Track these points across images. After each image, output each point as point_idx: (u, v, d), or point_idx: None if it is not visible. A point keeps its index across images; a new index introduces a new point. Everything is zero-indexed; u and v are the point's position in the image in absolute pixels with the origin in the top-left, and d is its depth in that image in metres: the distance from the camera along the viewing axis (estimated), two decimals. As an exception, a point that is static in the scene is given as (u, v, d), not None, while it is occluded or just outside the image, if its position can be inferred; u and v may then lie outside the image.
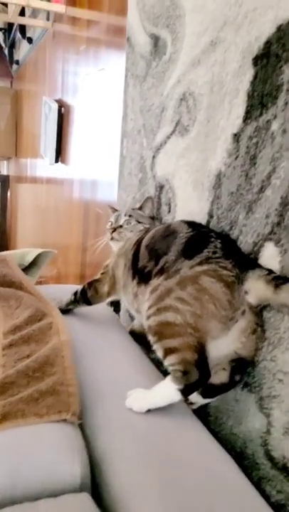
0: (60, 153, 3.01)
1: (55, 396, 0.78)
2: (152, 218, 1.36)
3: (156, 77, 1.41)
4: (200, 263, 0.92)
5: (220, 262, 0.91)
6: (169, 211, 1.33)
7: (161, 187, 1.39)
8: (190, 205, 1.21)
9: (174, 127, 1.29)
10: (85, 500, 0.63)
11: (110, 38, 2.13)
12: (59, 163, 3.00)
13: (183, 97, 1.24)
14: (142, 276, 1.06)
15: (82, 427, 0.82)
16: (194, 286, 0.90)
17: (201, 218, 1.14)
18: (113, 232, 1.32)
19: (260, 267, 0.89)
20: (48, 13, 3.10)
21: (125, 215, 1.35)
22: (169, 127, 1.33)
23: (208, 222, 1.12)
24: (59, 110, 2.85)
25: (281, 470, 0.85)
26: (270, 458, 0.88)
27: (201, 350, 0.87)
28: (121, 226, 1.33)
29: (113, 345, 1.12)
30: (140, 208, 1.37)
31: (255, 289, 0.86)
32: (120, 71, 1.75)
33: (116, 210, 1.45)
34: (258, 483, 0.91)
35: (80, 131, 2.63)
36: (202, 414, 1.08)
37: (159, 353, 0.91)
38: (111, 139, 1.93)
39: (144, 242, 1.10)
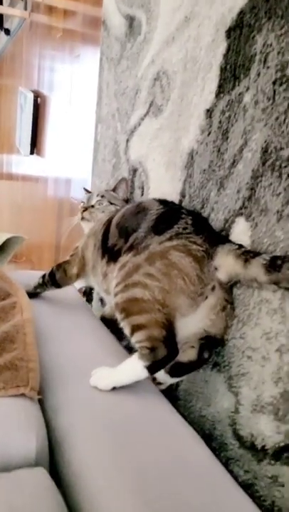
0: (35, 145, 2.96)
1: (13, 371, 0.74)
2: (126, 201, 1.33)
3: (130, 59, 1.39)
4: (170, 238, 0.89)
5: (190, 238, 0.88)
6: (142, 194, 1.31)
7: (134, 170, 1.36)
8: (163, 186, 1.18)
9: (148, 108, 1.27)
10: (40, 474, 0.59)
11: (86, 29, 2.10)
12: (34, 155, 2.95)
13: (157, 77, 1.22)
14: (111, 254, 1.02)
15: (43, 407, 0.78)
16: (163, 261, 0.87)
17: (174, 198, 1.12)
18: (84, 211, 1.29)
19: (230, 242, 0.87)
20: (26, 1, 3.05)
21: (97, 195, 1.32)
22: (142, 109, 1.30)
23: (181, 201, 1.09)
24: (35, 100, 2.81)
25: (249, 449, 0.83)
26: (238, 437, 0.85)
27: (169, 326, 0.84)
28: (92, 206, 1.29)
29: (80, 326, 1.09)
30: (114, 190, 1.34)
31: (225, 264, 0.84)
32: (96, 60, 1.72)
33: (90, 192, 1.42)
34: (226, 464, 0.88)
35: (56, 122, 2.59)
36: (171, 397, 1.05)
37: (126, 330, 0.88)
38: (87, 130, 1.90)
39: (115, 221, 1.07)
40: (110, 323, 1.28)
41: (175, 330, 0.85)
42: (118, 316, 0.91)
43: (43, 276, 1.23)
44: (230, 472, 0.86)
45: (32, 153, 2.92)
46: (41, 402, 0.80)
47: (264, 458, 0.79)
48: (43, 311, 1.16)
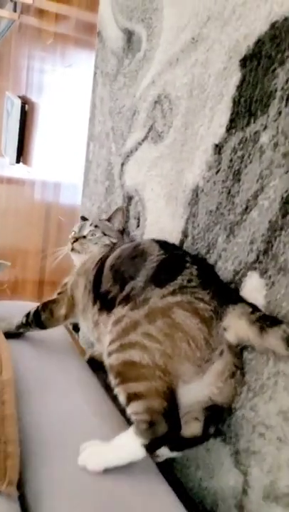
0: (21, 153, 2.82)
1: (-12, 459, 0.62)
2: (121, 232, 1.22)
3: (128, 76, 1.28)
4: (173, 293, 0.79)
5: (196, 293, 0.78)
6: (138, 226, 1.20)
7: (129, 198, 1.25)
8: (162, 221, 1.07)
9: (147, 133, 1.16)
10: None
11: (79, 34, 1.98)
12: (20, 163, 2.81)
13: (158, 100, 1.11)
14: (104, 302, 0.91)
15: (22, 495, 0.66)
16: (165, 320, 0.76)
17: (174, 237, 1.01)
18: (74, 242, 1.17)
19: (242, 301, 0.76)
20: (15, 3, 2.91)
21: (91, 225, 1.20)
22: (140, 132, 1.20)
23: (182, 242, 0.99)
24: (22, 107, 2.67)
25: None
26: (247, 525, 0.75)
27: (170, 397, 0.74)
28: (84, 237, 1.18)
29: (67, 380, 0.97)
30: (109, 220, 1.23)
31: (237, 327, 0.74)
32: (89, 69, 1.61)
33: (86, 220, 1.29)
34: None
35: (45, 130, 2.46)
36: (167, 459, 0.95)
37: (121, 398, 0.77)
38: (78, 140, 1.78)
39: (109, 262, 0.96)
40: (100, 366, 1.17)
41: (177, 400, 0.75)
42: (112, 380, 0.79)
43: (27, 315, 1.11)
44: None
45: (18, 161, 2.79)
46: (20, 485, 0.69)
47: None
48: (25, 354, 1.05)
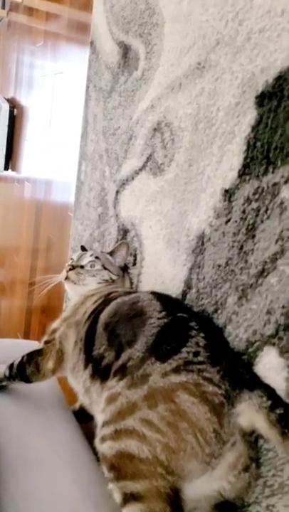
0: (10, 159, 2.68)
1: None
2: (123, 270, 1.10)
3: (124, 95, 1.15)
4: (176, 370, 0.67)
5: (204, 371, 0.67)
6: (134, 264, 1.08)
7: (125, 231, 1.13)
8: (162, 264, 0.96)
9: (145, 162, 1.04)
10: None
11: (72, 34, 1.84)
12: (9, 171, 2.68)
13: (157, 128, 0.99)
14: (97, 368, 0.80)
15: None
16: (168, 406, 0.65)
17: (176, 286, 0.90)
18: (70, 270, 1.05)
19: (259, 385, 0.65)
20: (4, 0, 2.76)
21: (91, 255, 1.08)
22: (138, 160, 1.07)
23: (185, 293, 0.87)
24: (11, 111, 2.53)
25: None
26: None
27: (174, 498, 0.63)
28: (82, 267, 1.06)
29: (55, 451, 0.86)
30: (111, 253, 1.10)
31: (253, 421, 0.63)
32: (82, 74, 1.47)
33: (86, 251, 1.17)
34: None
35: (35, 136, 2.32)
36: None
37: (117, 497, 0.66)
38: (69, 140, 1.65)
39: (103, 319, 0.84)
40: (91, 416, 1.06)
41: (182, 500, 0.64)
42: (105, 473, 0.68)
43: (10, 368, 0.99)
44: None
45: (6, 169, 2.65)
46: None
47: None
48: (7, 415, 0.93)
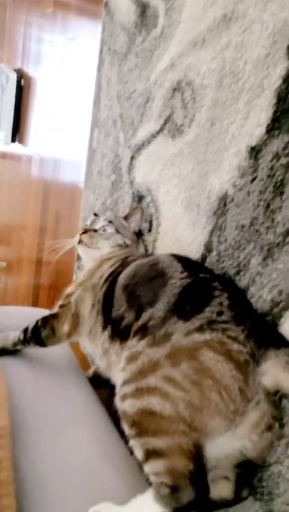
0: (17, 132, 2.64)
1: None
2: (138, 235, 1.08)
3: (141, 56, 1.12)
4: (200, 329, 0.66)
5: (228, 330, 0.65)
6: (150, 230, 1.06)
7: (140, 197, 1.11)
8: (179, 229, 0.94)
9: (163, 124, 1.01)
10: None
11: (83, 2, 1.79)
12: (16, 143, 2.63)
13: (177, 87, 0.96)
14: (116, 329, 0.79)
15: None
16: (192, 364, 0.64)
17: (194, 250, 0.88)
18: (83, 233, 1.04)
19: (285, 344, 0.64)
20: None
21: (104, 219, 1.07)
22: (155, 123, 1.04)
23: (205, 256, 0.86)
24: (18, 81, 2.48)
25: None
26: None
27: (197, 456, 0.62)
28: (96, 231, 1.04)
29: (71, 413, 0.85)
30: (126, 218, 1.09)
31: (279, 379, 0.62)
32: (94, 42, 1.43)
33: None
34: None
35: (43, 107, 2.28)
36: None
37: (138, 454, 0.65)
38: (80, 116, 1.62)
39: (122, 281, 0.82)
40: (105, 382, 1.06)
41: (204, 458, 0.63)
42: (126, 430, 0.67)
43: (25, 331, 0.98)
44: None
45: (14, 141, 2.60)
46: None
47: None
48: (22, 379, 0.92)
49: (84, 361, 1.37)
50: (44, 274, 2.22)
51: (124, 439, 0.80)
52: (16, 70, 2.56)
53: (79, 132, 1.58)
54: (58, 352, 1.08)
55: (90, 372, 1.12)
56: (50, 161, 2.10)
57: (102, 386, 1.07)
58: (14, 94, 2.52)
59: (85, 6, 1.74)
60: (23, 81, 2.50)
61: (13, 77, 2.45)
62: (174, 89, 0.97)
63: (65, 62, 1.92)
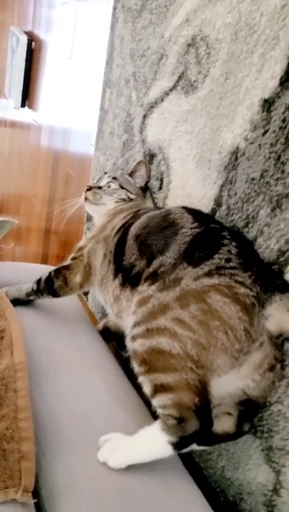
0: (27, 96, 2.63)
1: (0, 460, 0.55)
2: (144, 190, 1.10)
3: (155, 12, 1.11)
4: (209, 274, 0.69)
5: (236, 275, 0.68)
6: (160, 188, 1.08)
7: (152, 156, 1.12)
8: (190, 185, 0.96)
9: (176, 81, 1.02)
10: None
11: None
12: (25, 107, 2.63)
13: (192, 43, 0.96)
14: (127, 276, 0.82)
15: (37, 486, 0.60)
16: (200, 306, 0.67)
17: (204, 205, 0.90)
18: (87, 191, 1.08)
19: None
20: None
21: (109, 176, 1.11)
22: (168, 80, 1.05)
23: (214, 211, 0.88)
24: (28, 44, 2.45)
25: None
26: (277, 526, 0.70)
27: (202, 391, 0.66)
28: (100, 188, 1.08)
29: (83, 357, 0.89)
30: (131, 174, 1.11)
31: (283, 322, 0.65)
32: (107, 3, 1.42)
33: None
34: None
35: (53, 72, 2.26)
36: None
37: (147, 389, 0.69)
38: (91, 83, 1.62)
39: (133, 231, 0.85)
40: (114, 335, 1.10)
41: (210, 394, 0.67)
42: (136, 368, 0.71)
43: (38, 282, 1.02)
44: None
45: (23, 105, 2.60)
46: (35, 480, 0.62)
47: None
48: (36, 327, 0.96)
49: (92, 318, 1.41)
50: (52, 243, 2.25)
51: (133, 382, 0.85)
52: (26, 33, 2.53)
53: (90, 99, 1.59)
54: (68, 305, 1.12)
55: (100, 326, 1.16)
56: (61, 130, 2.10)
57: (110, 339, 1.12)
58: (25, 58, 2.49)
59: None
60: (33, 44, 2.47)
61: (24, 39, 2.43)
62: (189, 45, 0.97)
63: (77, 22, 1.89)
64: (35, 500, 0.55)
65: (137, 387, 0.78)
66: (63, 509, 0.59)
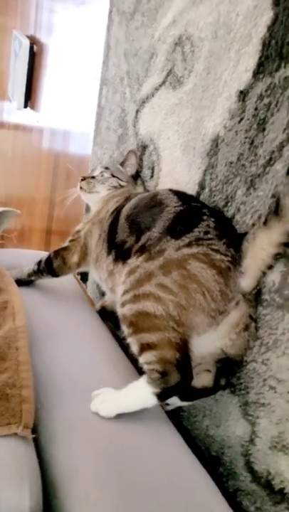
0: (29, 98, 2.72)
1: (3, 402, 0.64)
2: (135, 177, 1.19)
3: (147, 14, 1.20)
4: (188, 244, 0.77)
5: (212, 244, 0.76)
6: (152, 176, 1.17)
7: (144, 147, 1.21)
8: (177, 171, 1.04)
9: (165, 77, 1.10)
10: None
11: None
12: (28, 108, 2.72)
13: (178, 42, 1.05)
14: (120, 252, 0.90)
15: (36, 436, 0.68)
16: (180, 272, 0.75)
17: (190, 189, 0.98)
18: (82, 181, 1.19)
19: None
20: None
21: (101, 167, 1.22)
22: (158, 77, 1.14)
23: (199, 194, 0.96)
24: (31, 48, 2.55)
25: (263, 487, 0.75)
26: (252, 471, 0.78)
27: (183, 347, 0.74)
28: (93, 177, 1.19)
29: (78, 327, 0.98)
30: (122, 164, 1.21)
31: (256, 254, 0.72)
32: (104, 7, 1.51)
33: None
34: (235, 494, 0.81)
35: (55, 73, 2.36)
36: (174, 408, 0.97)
37: (134, 348, 0.78)
38: (89, 86, 1.71)
39: (125, 212, 0.94)
40: (111, 315, 1.18)
41: (190, 351, 0.75)
42: (125, 330, 0.80)
43: (38, 263, 1.11)
44: (238, 504, 0.80)
45: (26, 106, 2.69)
46: (35, 427, 0.71)
47: (282, 501, 0.71)
48: (36, 304, 1.05)
49: (91, 303, 1.49)
50: (54, 243, 2.34)
51: (124, 349, 0.93)
52: (28, 37, 2.63)
53: (89, 100, 1.67)
54: (67, 287, 1.21)
55: (97, 306, 1.24)
56: (61, 132, 2.20)
57: (106, 319, 1.20)
58: (27, 61, 2.59)
59: None
60: (35, 47, 2.57)
61: (26, 43, 2.52)
62: (176, 44, 1.06)
63: (76, 26, 1.99)
64: (34, 436, 0.63)
65: (128, 354, 0.87)
66: (60, 449, 0.67)
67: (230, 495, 0.82)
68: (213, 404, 0.88)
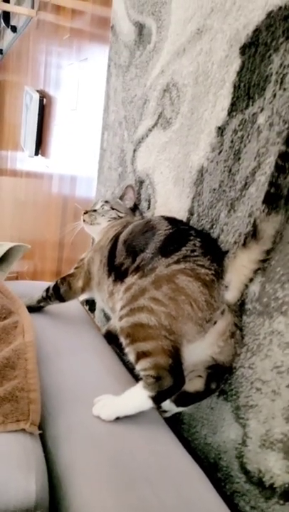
0: (40, 146, 2.92)
1: (13, 402, 0.71)
2: (133, 209, 1.31)
3: (139, 67, 1.35)
4: (177, 261, 0.86)
5: (198, 260, 0.85)
6: (149, 207, 1.28)
7: (141, 182, 1.33)
8: (170, 201, 1.15)
9: (156, 120, 1.24)
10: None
11: (94, 29, 2.06)
12: (39, 155, 2.92)
13: (166, 88, 1.19)
14: (118, 273, 1.00)
15: (43, 437, 0.75)
16: (170, 286, 0.84)
17: (181, 216, 1.09)
18: (84, 214, 1.31)
19: None
20: (33, 0, 3.00)
21: (101, 201, 1.35)
22: (151, 120, 1.27)
23: (189, 219, 1.06)
24: (40, 100, 2.77)
25: (256, 485, 0.80)
26: (246, 471, 0.83)
27: (175, 354, 0.81)
28: (95, 210, 1.31)
29: (83, 346, 1.06)
30: (121, 198, 1.33)
31: (238, 269, 0.81)
32: (104, 63, 1.69)
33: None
34: (232, 497, 0.86)
35: (62, 123, 2.55)
36: (175, 421, 1.03)
37: (131, 357, 0.86)
38: (93, 133, 1.87)
39: (122, 238, 1.04)
40: (116, 338, 1.26)
41: (182, 358, 0.82)
42: (123, 341, 0.88)
43: (47, 290, 1.20)
44: (235, 506, 0.84)
45: (37, 154, 2.89)
46: (41, 429, 0.78)
47: (272, 496, 0.76)
48: (45, 326, 1.14)
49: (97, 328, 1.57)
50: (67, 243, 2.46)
51: (130, 371, 1.01)
52: (38, 91, 2.86)
53: (93, 148, 1.83)
54: (75, 312, 1.30)
55: (103, 331, 1.32)
56: (68, 177, 2.36)
57: (112, 343, 1.28)
58: (37, 113, 2.80)
59: (96, 31, 2.01)
60: (45, 100, 2.79)
61: (36, 97, 2.74)
62: (164, 91, 1.19)
63: (81, 81, 2.19)
64: (40, 432, 0.71)
65: (128, 367, 0.94)
66: (64, 448, 0.74)
67: (229, 498, 0.86)
68: (209, 413, 0.94)
